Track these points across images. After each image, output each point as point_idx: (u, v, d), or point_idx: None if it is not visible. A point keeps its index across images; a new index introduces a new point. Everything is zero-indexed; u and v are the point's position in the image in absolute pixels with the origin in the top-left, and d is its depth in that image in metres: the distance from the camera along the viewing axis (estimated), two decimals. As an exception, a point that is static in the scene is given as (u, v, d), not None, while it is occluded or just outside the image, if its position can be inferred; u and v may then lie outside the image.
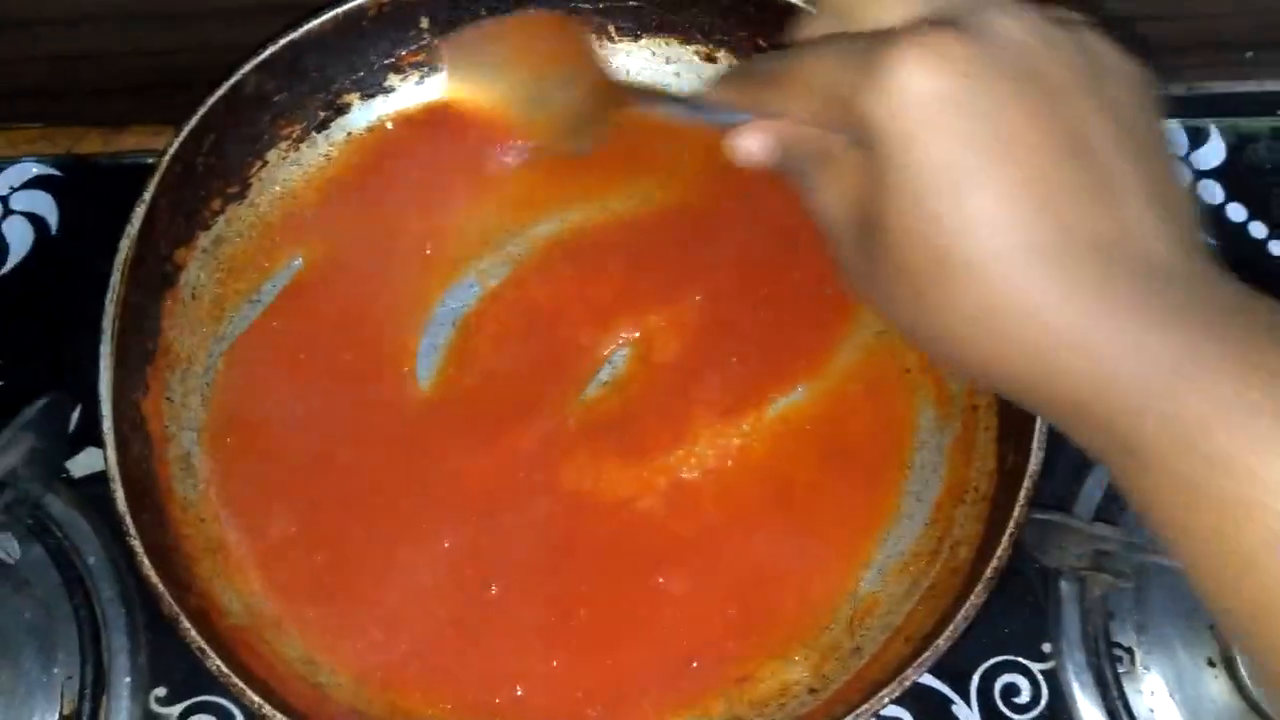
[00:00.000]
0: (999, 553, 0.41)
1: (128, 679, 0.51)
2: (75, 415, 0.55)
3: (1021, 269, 0.29)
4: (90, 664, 0.50)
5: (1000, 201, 0.29)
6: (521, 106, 0.41)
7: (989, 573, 0.40)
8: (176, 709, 0.51)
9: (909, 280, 0.30)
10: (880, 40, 0.30)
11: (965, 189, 0.29)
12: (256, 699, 0.38)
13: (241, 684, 0.38)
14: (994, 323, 0.29)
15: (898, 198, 0.29)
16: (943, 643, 0.39)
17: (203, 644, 0.39)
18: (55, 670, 0.50)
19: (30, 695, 0.50)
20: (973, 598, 0.40)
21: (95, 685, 0.50)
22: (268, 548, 0.47)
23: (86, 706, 0.50)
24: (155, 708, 0.51)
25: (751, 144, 0.34)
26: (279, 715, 0.38)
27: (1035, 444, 0.43)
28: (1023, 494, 0.42)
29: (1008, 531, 0.41)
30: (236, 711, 0.50)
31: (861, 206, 0.31)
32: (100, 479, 0.53)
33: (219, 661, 0.39)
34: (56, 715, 0.50)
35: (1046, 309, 0.28)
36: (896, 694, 0.39)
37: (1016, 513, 0.41)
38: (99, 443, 0.53)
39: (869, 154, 0.30)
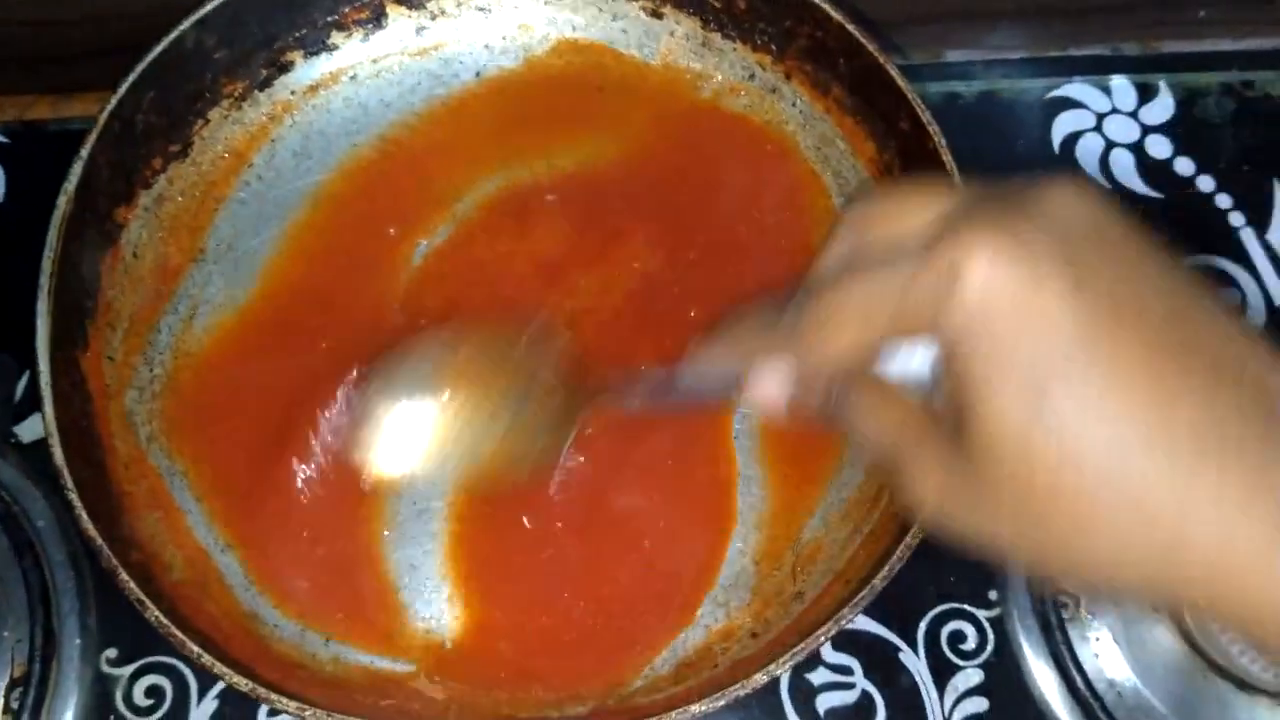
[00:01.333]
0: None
1: (78, 640, 0.51)
2: (22, 382, 0.55)
3: (1160, 464, 0.26)
4: (40, 627, 0.50)
5: (1126, 387, 0.26)
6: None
7: (924, 514, 0.41)
8: (127, 670, 0.51)
9: (1032, 501, 0.28)
10: (939, 243, 0.28)
11: (1086, 379, 0.27)
12: (195, 649, 0.38)
13: (181, 635, 0.39)
14: (1135, 531, 0.27)
15: (1000, 405, 0.27)
16: (879, 582, 0.40)
17: (141, 595, 0.39)
18: (4, 634, 0.50)
19: (-20, 659, 0.50)
20: (908, 538, 0.41)
21: (45, 648, 0.50)
22: (216, 500, 0.47)
23: (37, 669, 0.49)
24: (106, 669, 0.51)
25: (771, 389, 0.33)
26: (218, 665, 0.38)
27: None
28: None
29: (943, 474, 0.41)
30: (187, 671, 0.51)
31: (942, 423, 0.30)
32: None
33: (158, 613, 0.39)
34: (6, 678, 0.50)
35: (1200, 508, 0.26)
36: (833, 632, 0.39)
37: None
38: (46, 407, 0.54)
39: (951, 371, 0.28)
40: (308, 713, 0.38)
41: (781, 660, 0.39)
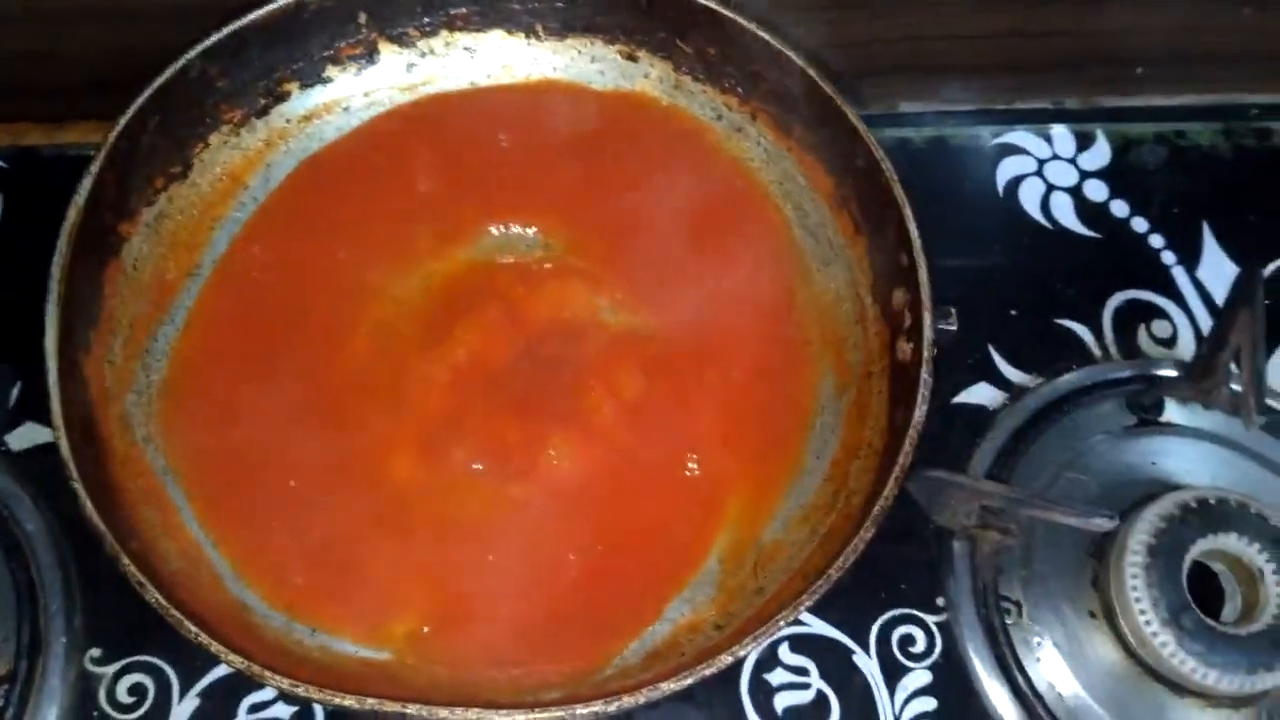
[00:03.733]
0: (885, 492, 0.45)
1: (63, 639, 0.52)
2: (15, 391, 0.57)
3: None
4: (27, 626, 0.52)
5: None
6: None
7: (875, 511, 0.44)
8: (111, 668, 0.52)
9: None
10: None
11: None
12: (193, 629, 0.41)
13: (179, 614, 0.41)
14: None
15: None
16: (834, 572, 0.43)
17: (142, 579, 0.41)
18: (-9, 634, 0.52)
19: (-35, 658, 0.51)
20: (861, 532, 0.44)
21: (31, 647, 0.51)
22: (205, 499, 0.50)
23: (23, 667, 0.51)
24: (90, 667, 0.52)
25: None
26: (214, 644, 0.40)
27: (919, 398, 0.47)
28: (907, 442, 0.46)
29: (893, 475, 0.45)
30: (169, 670, 0.52)
31: None
32: (38, 452, 0.56)
33: (157, 594, 0.41)
34: (-8, 677, 0.51)
35: None
36: (793, 617, 0.42)
37: (901, 458, 0.45)
38: (39, 417, 0.56)
39: None
40: (300, 688, 0.40)
41: (745, 642, 0.41)
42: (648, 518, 0.52)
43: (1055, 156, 0.70)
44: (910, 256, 0.51)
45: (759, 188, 0.60)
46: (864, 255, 0.56)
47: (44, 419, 0.55)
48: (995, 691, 0.54)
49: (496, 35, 0.61)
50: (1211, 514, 0.53)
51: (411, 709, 0.40)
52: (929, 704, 0.54)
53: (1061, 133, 0.70)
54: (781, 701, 0.53)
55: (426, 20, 0.60)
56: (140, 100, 0.51)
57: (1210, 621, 0.52)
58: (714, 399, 0.54)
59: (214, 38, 0.53)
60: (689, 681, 0.41)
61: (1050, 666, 0.54)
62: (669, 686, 0.41)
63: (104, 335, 0.51)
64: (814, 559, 0.49)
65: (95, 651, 0.53)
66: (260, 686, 0.51)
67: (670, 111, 0.61)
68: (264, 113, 0.58)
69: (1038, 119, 0.71)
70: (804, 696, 0.54)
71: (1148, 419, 0.60)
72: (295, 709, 0.52)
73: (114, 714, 0.51)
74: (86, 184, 0.49)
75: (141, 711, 0.52)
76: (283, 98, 0.58)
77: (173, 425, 0.52)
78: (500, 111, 0.60)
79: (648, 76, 0.61)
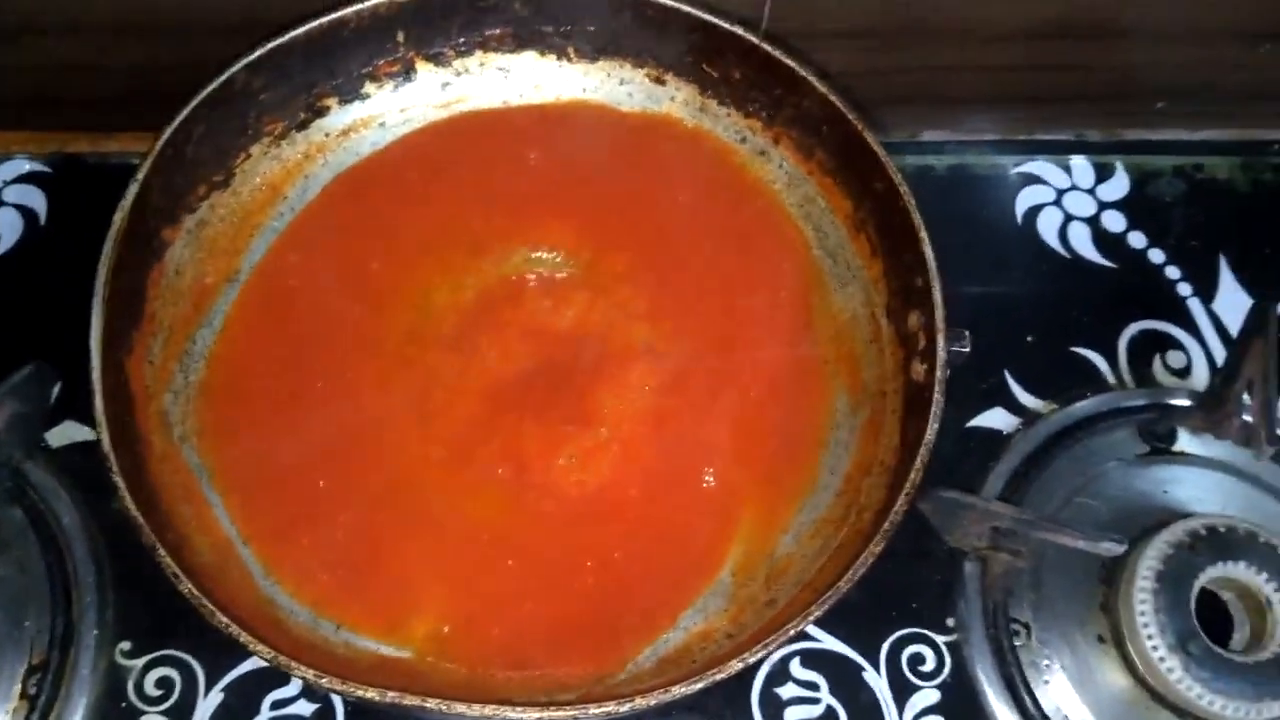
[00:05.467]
0: (896, 508, 0.46)
1: (95, 632, 0.54)
2: (56, 389, 0.58)
3: None
4: (60, 618, 0.53)
5: None
6: None
7: (886, 526, 0.45)
8: (140, 661, 0.54)
9: None
10: None
11: None
12: (225, 620, 0.42)
13: (212, 606, 0.42)
14: None
15: None
16: (843, 585, 0.44)
17: (177, 570, 0.43)
18: (26, 623, 0.53)
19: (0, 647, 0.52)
20: (870, 546, 0.45)
21: (64, 638, 0.53)
22: (237, 496, 0.51)
23: (55, 657, 0.53)
24: (120, 660, 0.54)
25: None
26: (244, 635, 0.42)
27: (932, 417, 0.48)
28: (918, 459, 0.47)
29: (904, 491, 0.46)
30: (196, 665, 0.54)
31: None
32: (77, 450, 0.58)
33: (190, 585, 0.42)
34: (25, 666, 0.52)
35: None
36: (801, 628, 0.43)
37: (912, 475, 0.46)
38: (78, 415, 0.58)
39: None
40: (325, 680, 0.41)
41: (755, 649, 0.42)
42: (664, 528, 0.53)
43: (1074, 187, 0.71)
44: (925, 279, 0.52)
45: (780, 209, 0.61)
46: (881, 277, 0.57)
47: (83, 417, 0.58)
48: (1003, 713, 0.55)
49: (530, 56, 0.63)
50: (1221, 542, 0.53)
51: (431, 703, 0.41)
52: (938, 722, 0.55)
53: (1081, 164, 0.72)
54: (791, 715, 0.54)
55: (462, 40, 0.62)
56: (187, 110, 0.53)
57: (1218, 649, 0.52)
58: (731, 413, 0.55)
59: (258, 52, 0.55)
60: (700, 686, 0.42)
61: (1059, 690, 0.55)
62: (680, 690, 0.42)
63: (145, 336, 0.53)
64: (825, 572, 0.50)
65: (125, 644, 0.54)
66: (283, 683, 0.53)
67: (696, 133, 0.63)
68: (304, 126, 0.60)
69: (1058, 150, 0.72)
70: (813, 711, 0.54)
71: (1160, 447, 0.61)
72: (316, 705, 0.53)
73: (142, 706, 0.53)
74: (133, 189, 0.51)
75: (168, 704, 0.53)
76: (322, 112, 0.60)
77: (208, 424, 0.53)
78: (530, 130, 0.62)
79: (674, 99, 0.63)
